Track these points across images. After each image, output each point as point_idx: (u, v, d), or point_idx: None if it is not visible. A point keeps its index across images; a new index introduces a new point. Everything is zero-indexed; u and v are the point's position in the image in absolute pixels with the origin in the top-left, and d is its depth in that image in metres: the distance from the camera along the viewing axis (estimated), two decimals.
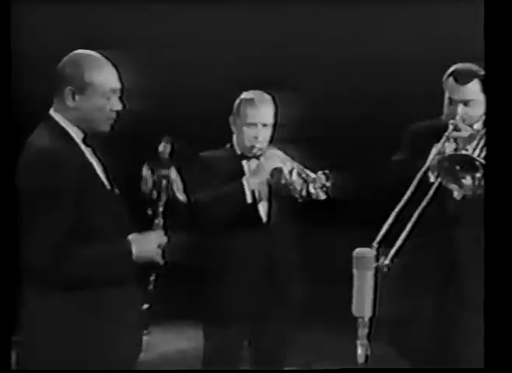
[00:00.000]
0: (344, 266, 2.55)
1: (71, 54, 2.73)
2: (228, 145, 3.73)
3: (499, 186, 3.12)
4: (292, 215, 3.67)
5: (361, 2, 5.70)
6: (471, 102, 3.42)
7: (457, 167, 3.08)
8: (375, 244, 2.61)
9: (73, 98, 2.62)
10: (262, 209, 3.67)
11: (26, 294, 2.67)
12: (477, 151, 3.15)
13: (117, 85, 2.71)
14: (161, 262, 2.82)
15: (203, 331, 3.73)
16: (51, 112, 2.71)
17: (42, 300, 2.61)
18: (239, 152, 3.70)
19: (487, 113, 3.16)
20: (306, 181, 3.53)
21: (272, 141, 3.72)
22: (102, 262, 2.63)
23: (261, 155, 3.66)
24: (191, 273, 3.61)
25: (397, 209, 2.97)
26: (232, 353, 3.68)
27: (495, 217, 3.13)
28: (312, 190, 3.52)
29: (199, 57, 5.65)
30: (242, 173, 3.60)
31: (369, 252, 2.44)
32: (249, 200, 3.54)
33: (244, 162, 3.69)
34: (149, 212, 2.80)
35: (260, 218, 3.66)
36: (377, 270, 2.72)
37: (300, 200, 3.59)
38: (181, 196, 3.34)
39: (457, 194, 3.20)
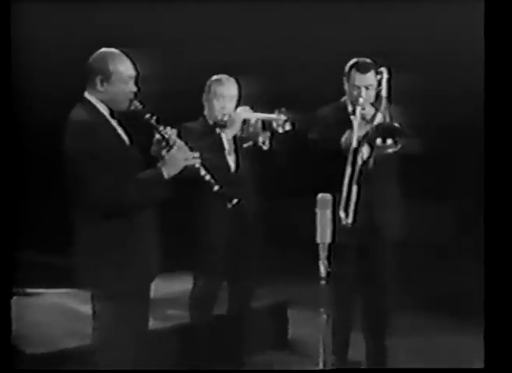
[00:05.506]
0: (307, 208, 3.29)
1: (98, 51, 3.42)
2: (200, 118, 4.54)
3: (498, 184, 3.13)
4: (256, 164, 4.51)
5: (363, 2, 5.72)
6: (370, 86, 4.32)
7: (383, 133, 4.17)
8: None
9: (102, 84, 3.36)
10: (230, 159, 4.47)
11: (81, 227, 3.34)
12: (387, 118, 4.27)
13: (133, 72, 3.43)
14: (197, 162, 3.45)
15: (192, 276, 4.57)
16: (86, 94, 3.40)
17: (94, 228, 3.32)
18: (211, 122, 4.50)
19: (486, 112, 3.19)
20: (270, 123, 4.40)
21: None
22: (143, 189, 3.37)
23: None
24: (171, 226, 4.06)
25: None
26: (213, 292, 4.51)
27: (494, 216, 3.13)
28: (277, 128, 4.37)
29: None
30: (220, 141, 4.41)
31: (328, 196, 3.30)
32: (227, 147, 4.40)
33: (223, 135, 4.44)
34: (163, 145, 3.45)
35: (229, 167, 4.46)
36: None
37: (265, 147, 4.44)
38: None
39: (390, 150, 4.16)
